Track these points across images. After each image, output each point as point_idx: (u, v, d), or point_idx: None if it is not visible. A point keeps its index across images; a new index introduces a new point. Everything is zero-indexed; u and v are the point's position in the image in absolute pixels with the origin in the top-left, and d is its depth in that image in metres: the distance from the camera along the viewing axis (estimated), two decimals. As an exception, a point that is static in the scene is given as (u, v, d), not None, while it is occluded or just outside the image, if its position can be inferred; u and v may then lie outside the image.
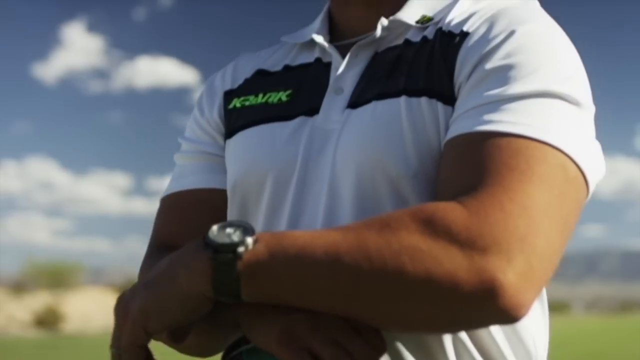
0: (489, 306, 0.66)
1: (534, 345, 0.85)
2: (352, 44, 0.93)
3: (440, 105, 0.81)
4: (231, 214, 0.93)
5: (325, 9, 1.02)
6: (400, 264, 0.67)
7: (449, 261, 0.66)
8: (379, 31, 0.90)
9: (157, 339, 0.78)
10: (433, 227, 0.68)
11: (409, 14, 0.91)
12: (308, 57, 0.97)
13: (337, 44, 0.95)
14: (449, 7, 0.90)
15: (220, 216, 0.94)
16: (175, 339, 0.78)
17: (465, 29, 0.84)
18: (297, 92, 0.93)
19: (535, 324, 0.86)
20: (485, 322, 0.73)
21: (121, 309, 0.75)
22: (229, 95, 1.00)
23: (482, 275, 0.66)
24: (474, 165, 0.73)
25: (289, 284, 0.69)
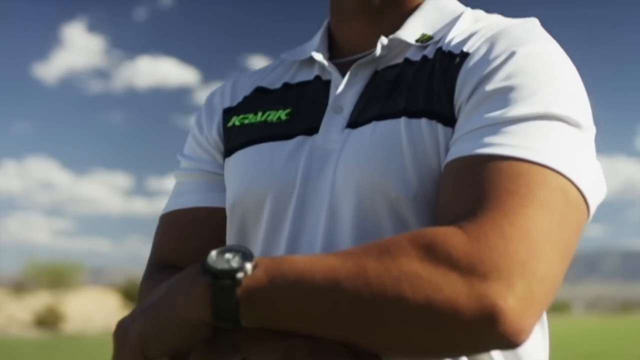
0: (489, 332, 0.66)
1: None
2: (352, 61, 0.93)
3: (440, 127, 0.81)
4: (230, 234, 0.93)
5: (324, 25, 1.01)
6: (400, 290, 0.66)
7: (449, 287, 0.66)
8: (378, 50, 0.89)
9: None
10: (433, 253, 0.67)
11: (409, 33, 0.91)
12: (307, 75, 0.97)
13: (337, 62, 0.94)
14: (449, 26, 0.90)
15: (219, 234, 0.94)
16: None
17: (465, 49, 0.84)
18: (296, 110, 0.93)
19: (536, 347, 0.86)
20: (486, 348, 0.73)
21: (120, 334, 0.75)
22: (228, 113, 1.00)
23: (482, 302, 0.65)
24: (474, 189, 0.72)
25: (288, 310, 0.69)
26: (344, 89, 0.90)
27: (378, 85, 0.89)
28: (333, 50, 0.98)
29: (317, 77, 0.95)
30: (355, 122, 0.86)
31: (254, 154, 0.92)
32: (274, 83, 1.00)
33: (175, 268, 0.92)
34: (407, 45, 0.90)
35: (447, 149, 0.79)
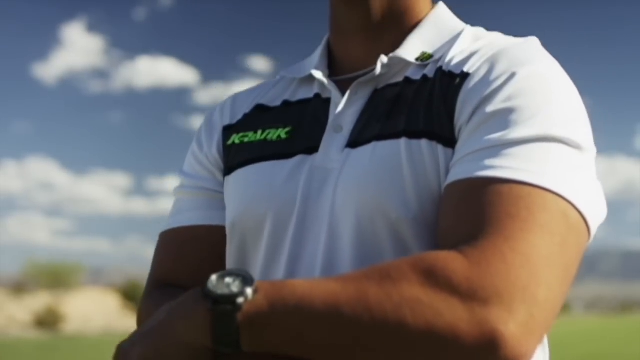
0: (490, 358, 0.66)
1: None
2: (352, 79, 0.92)
3: (440, 148, 0.81)
4: (230, 253, 0.92)
5: (324, 42, 1.01)
6: (401, 316, 0.66)
7: (450, 313, 0.66)
8: (378, 68, 0.89)
9: None
10: (434, 278, 0.67)
11: (409, 51, 0.90)
12: (307, 93, 0.97)
13: (336, 79, 0.94)
14: (450, 44, 0.90)
15: (218, 252, 0.94)
16: None
17: (465, 69, 0.84)
18: (296, 129, 0.93)
19: None
20: None
21: (121, 358, 0.75)
22: (227, 131, 0.99)
23: (483, 327, 0.65)
24: (474, 213, 0.72)
25: (288, 335, 0.69)
26: (344, 107, 0.90)
27: (378, 104, 0.88)
28: (333, 67, 0.98)
29: (317, 95, 0.95)
30: (355, 141, 0.86)
31: (254, 173, 0.92)
32: (274, 100, 0.99)
33: (175, 286, 0.93)
34: (407, 63, 0.90)
35: (447, 170, 0.79)
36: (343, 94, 0.91)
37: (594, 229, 0.76)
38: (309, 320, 0.68)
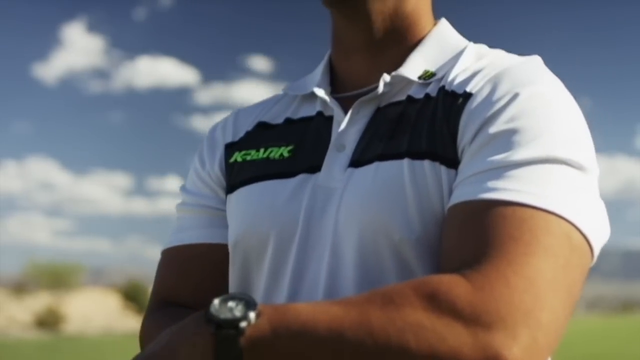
0: None
1: None
2: (354, 96, 0.92)
3: (443, 169, 0.81)
4: (233, 272, 0.92)
5: (326, 58, 1.01)
6: (404, 341, 0.66)
7: (453, 338, 0.66)
8: (381, 87, 0.89)
9: None
10: (437, 303, 0.67)
11: (411, 69, 0.90)
12: (309, 110, 0.96)
13: (338, 96, 0.94)
14: (452, 62, 0.89)
15: (220, 271, 0.94)
16: None
17: (468, 89, 0.83)
18: (298, 147, 0.93)
19: None
20: None
21: None
22: (230, 148, 0.99)
23: (487, 352, 0.65)
24: (478, 235, 0.72)
25: None
26: (346, 126, 0.89)
27: (380, 122, 0.88)
28: (335, 84, 0.97)
29: (320, 113, 0.95)
30: (357, 161, 0.86)
31: (256, 192, 0.92)
32: (276, 118, 0.99)
33: (177, 305, 0.93)
34: (409, 81, 0.90)
35: (450, 191, 0.79)
36: (345, 112, 0.91)
37: (597, 249, 0.76)
38: (312, 345, 0.68)
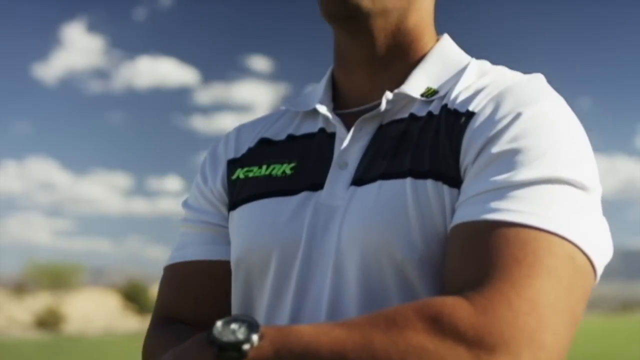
0: None
1: None
2: (356, 113, 0.92)
3: (446, 188, 0.81)
4: (235, 290, 0.93)
5: (328, 73, 1.01)
6: None
7: None
8: (383, 105, 0.89)
9: None
10: (440, 326, 0.67)
11: (414, 86, 0.90)
12: (312, 127, 0.96)
13: (341, 113, 0.94)
14: (455, 80, 0.89)
15: (222, 287, 0.94)
16: None
17: (471, 108, 0.83)
18: (301, 164, 0.93)
19: None
20: None
21: None
22: (232, 165, 0.99)
23: None
24: (481, 257, 0.72)
25: None
26: (349, 144, 0.89)
27: (383, 140, 0.88)
28: (337, 100, 0.97)
29: (322, 130, 0.95)
30: (360, 179, 0.86)
31: (258, 209, 0.91)
32: (278, 134, 0.99)
33: (179, 322, 0.94)
34: (412, 99, 0.90)
35: (453, 211, 0.79)
36: (348, 129, 0.91)
37: (599, 269, 0.77)
38: None
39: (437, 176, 0.81)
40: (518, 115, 0.79)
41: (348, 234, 0.83)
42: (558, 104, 0.84)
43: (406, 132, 0.87)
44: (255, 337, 0.68)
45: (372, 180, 0.85)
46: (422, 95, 0.89)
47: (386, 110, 0.90)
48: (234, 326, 0.70)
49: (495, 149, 0.78)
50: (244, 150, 1.00)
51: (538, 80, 0.87)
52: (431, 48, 0.95)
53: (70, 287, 45.13)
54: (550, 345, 0.68)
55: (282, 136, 0.98)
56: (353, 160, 0.88)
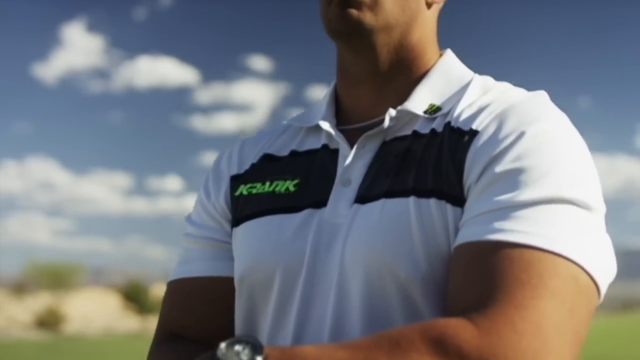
0: None
1: None
2: (359, 129, 0.92)
3: (449, 207, 0.80)
4: (239, 307, 0.93)
5: (331, 88, 1.01)
6: None
7: None
8: (387, 122, 0.89)
9: None
10: (444, 348, 0.67)
11: (417, 103, 0.90)
12: (315, 143, 0.96)
13: (344, 128, 0.94)
14: (458, 97, 0.89)
15: (225, 304, 0.94)
16: None
17: (474, 126, 0.83)
18: (304, 181, 0.92)
19: None
20: None
21: None
22: (235, 181, 0.99)
23: None
24: (485, 278, 0.72)
25: None
26: (352, 161, 0.89)
27: (386, 157, 0.88)
28: (340, 115, 0.97)
29: (325, 146, 0.95)
30: (363, 197, 0.86)
31: (262, 226, 0.91)
32: (282, 150, 0.99)
33: (182, 337, 0.94)
34: (415, 116, 0.90)
35: (456, 229, 0.79)
36: (351, 145, 0.91)
37: (603, 289, 0.77)
38: None
39: (441, 195, 0.81)
40: (521, 134, 0.79)
41: (351, 252, 0.83)
42: (561, 122, 0.83)
43: (409, 150, 0.87)
44: (259, 359, 0.68)
45: (376, 198, 0.85)
46: (425, 112, 0.89)
47: (389, 127, 0.90)
48: (237, 348, 0.69)
49: (499, 168, 0.78)
50: (247, 166, 1.00)
51: (541, 98, 0.87)
52: (434, 64, 0.95)
53: (70, 287, 45.16)
54: None
55: (285, 152, 0.98)
56: (356, 178, 0.88)
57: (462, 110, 0.86)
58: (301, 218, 0.89)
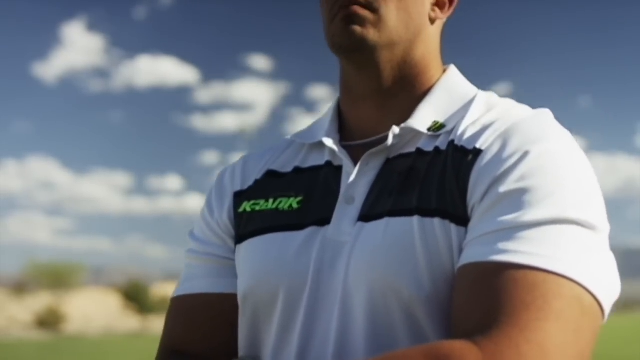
0: None
1: None
2: (363, 145, 0.92)
3: (453, 227, 0.80)
4: (242, 324, 0.93)
5: (334, 104, 1.01)
6: None
7: None
8: (390, 139, 0.89)
9: None
10: None
11: (420, 120, 0.90)
12: (318, 159, 0.97)
13: (347, 144, 0.94)
14: (461, 114, 0.89)
15: (229, 320, 0.94)
16: None
17: (478, 145, 0.83)
18: (307, 198, 0.93)
19: None
20: None
21: None
22: (239, 197, 0.99)
23: None
24: (489, 300, 0.72)
25: None
26: (356, 178, 0.89)
27: (390, 175, 0.88)
28: (343, 131, 0.98)
29: (328, 163, 0.95)
30: (367, 215, 0.86)
31: (265, 244, 0.92)
32: (285, 166, 0.99)
33: (185, 355, 0.94)
34: (418, 133, 0.90)
35: (460, 249, 0.79)
36: (354, 162, 0.91)
37: (607, 309, 0.77)
38: None
39: (445, 215, 0.81)
40: (525, 154, 0.79)
41: (355, 270, 0.83)
42: (565, 141, 0.83)
43: (413, 168, 0.87)
44: None
45: (379, 216, 0.85)
46: (428, 129, 0.89)
47: (393, 145, 0.90)
48: None
49: (503, 188, 0.78)
50: (250, 182, 1.00)
51: (544, 116, 0.86)
52: (438, 80, 0.95)
53: (70, 286, 45.17)
54: None
55: (288, 168, 0.99)
56: (360, 195, 0.88)
57: (466, 128, 0.86)
58: (305, 236, 0.89)
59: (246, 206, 0.97)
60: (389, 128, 0.90)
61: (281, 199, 0.94)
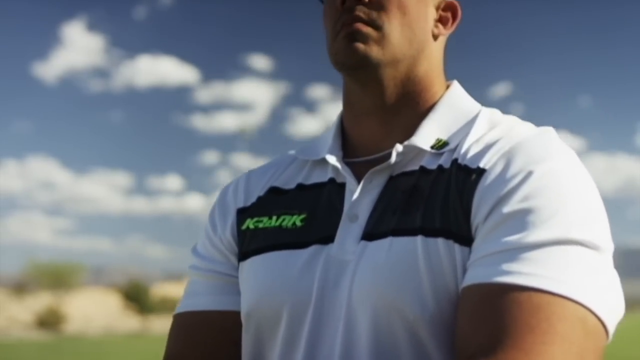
0: None
1: None
2: (366, 162, 0.92)
3: (457, 247, 0.80)
4: (246, 342, 0.93)
5: (337, 120, 1.01)
6: None
7: None
8: (393, 157, 0.89)
9: None
10: None
11: (424, 138, 0.90)
12: (321, 176, 0.96)
13: (350, 161, 0.94)
14: (465, 131, 0.89)
15: (231, 338, 0.94)
16: None
17: (481, 164, 0.83)
18: (311, 216, 0.92)
19: None
20: None
21: None
22: (242, 214, 0.99)
23: None
24: (493, 322, 0.72)
25: None
26: (359, 196, 0.89)
27: (393, 193, 0.88)
28: (346, 147, 0.97)
29: (332, 180, 0.95)
30: (370, 233, 0.86)
31: (269, 262, 0.91)
32: (288, 183, 0.99)
33: None
34: (421, 151, 0.90)
35: (464, 269, 0.79)
36: (358, 179, 0.91)
37: (611, 330, 0.77)
38: None
39: (449, 235, 0.81)
40: (529, 174, 0.79)
41: (359, 290, 0.83)
42: (569, 161, 0.83)
43: (416, 186, 0.87)
44: None
45: (383, 235, 0.85)
46: (432, 147, 0.89)
47: (396, 162, 0.90)
48: None
49: (507, 208, 0.78)
50: (253, 199, 1.00)
51: (548, 134, 0.86)
52: (441, 96, 0.95)
53: (70, 286, 45.17)
54: None
55: (291, 185, 0.98)
56: (363, 213, 0.88)
57: (470, 147, 0.86)
58: (308, 254, 0.89)
59: (249, 223, 0.97)
60: (392, 145, 0.90)
61: (284, 216, 0.94)
